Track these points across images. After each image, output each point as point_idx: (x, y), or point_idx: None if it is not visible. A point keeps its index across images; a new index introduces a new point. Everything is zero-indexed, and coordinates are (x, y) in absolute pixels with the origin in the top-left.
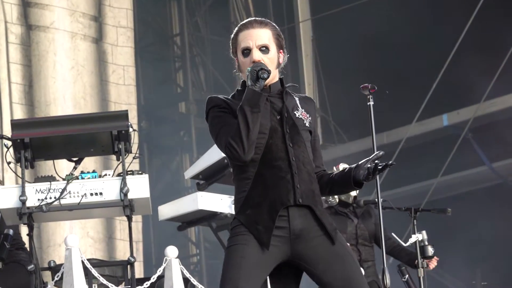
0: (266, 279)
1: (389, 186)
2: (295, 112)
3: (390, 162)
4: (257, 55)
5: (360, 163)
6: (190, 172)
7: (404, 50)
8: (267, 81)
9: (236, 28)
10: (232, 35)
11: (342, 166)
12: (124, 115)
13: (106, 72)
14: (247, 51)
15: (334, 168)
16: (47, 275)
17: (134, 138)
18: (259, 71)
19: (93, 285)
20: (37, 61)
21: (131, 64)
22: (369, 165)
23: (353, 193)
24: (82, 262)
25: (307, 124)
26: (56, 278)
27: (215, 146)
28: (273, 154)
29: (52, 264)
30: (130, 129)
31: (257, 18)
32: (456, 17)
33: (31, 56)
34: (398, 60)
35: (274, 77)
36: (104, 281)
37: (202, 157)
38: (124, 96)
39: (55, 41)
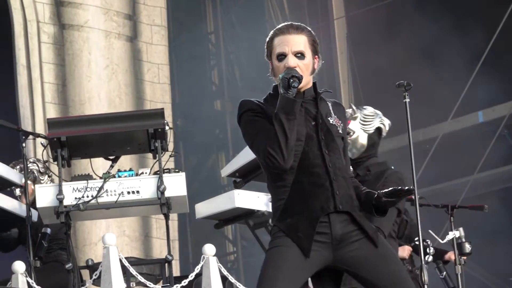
0: (308, 282)
1: (425, 183)
2: (329, 119)
3: (410, 187)
4: (292, 61)
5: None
6: (227, 170)
7: (439, 46)
8: (301, 86)
9: (272, 32)
10: (268, 39)
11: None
12: (160, 113)
13: (141, 70)
14: (282, 57)
15: None
16: (85, 274)
17: (170, 136)
18: (290, 79)
19: (131, 283)
20: (71, 60)
21: (165, 62)
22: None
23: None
24: (120, 260)
25: (340, 131)
26: (94, 277)
27: None
28: (310, 161)
29: (90, 263)
30: (167, 127)
31: (293, 23)
32: (490, 14)
33: (65, 55)
34: (433, 57)
35: (308, 82)
36: (142, 279)
37: (239, 155)
38: (158, 94)
39: (89, 40)
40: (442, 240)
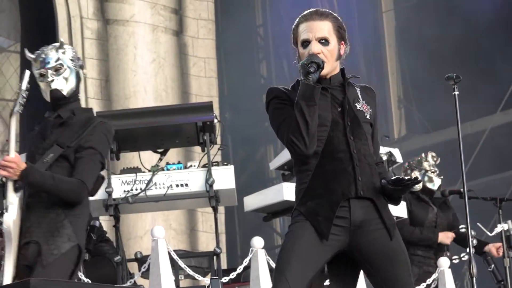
0: (324, 269)
1: (474, 176)
2: (356, 104)
3: (416, 177)
4: (316, 47)
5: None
6: (275, 163)
7: (488, 41)
8: (327, 72)
9: (297, 19)
10: (293, 26)
11: (431, 153)
12: (209, 107)
13: (187, 64)
14: (306, 43)
15: (423, 154)
16: (132, 266)
17: (219, 129)
18: (309, 65)
19: (180, 276)
20: (115, 55)
21: (212, 56)
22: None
23: (439, 182)
24: (169, 253)
25: (367, 117)
26: (142, 269)
27: None
28: (334, 147)
29: (138, 256)
30: (215, 120)
31: (318, 10)
32: None
33: (108, 50)
34: (482, 51)
35: (335, 68)
36: (191, 272)
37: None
38: (205, 88)
39: (135, 34)
40: (491, 233)
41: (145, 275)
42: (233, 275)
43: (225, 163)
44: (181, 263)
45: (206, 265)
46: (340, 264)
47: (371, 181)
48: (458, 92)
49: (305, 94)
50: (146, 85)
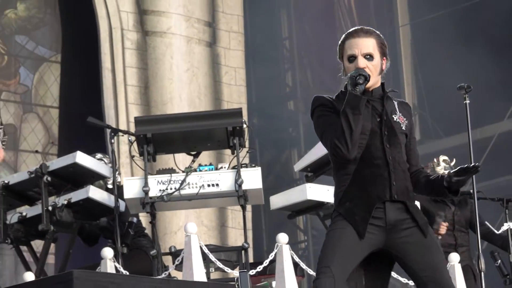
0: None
1: (482, 178)
2: (393, 116)
3: (477, 164)
4: (362, 62)
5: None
6: (299, 165)
7: (497, 54)
8: (370, 85)
9: (344, 36)
10: (340, 42)
11: (442, 157)
12: (238, 113)
13: (219, 73)
14: (352, 58)
15: (435, 160)
16: (167, 260)
17: (247, 134)
18: (357, 77)
19: (210, 268)
20: (154, 64)
21: (241, 66)
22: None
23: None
24: (200, 247)
25: (403, 128)
26: (176, 262)
27: None
28: (372, 154)
29: (172, 250)
30: (244, 125)
31: (363, 27)
32: None
33: (147, 59)
34: (489, 62)
35: (377, 82)
36: (221, 265)
37: (310, 151)
38: (235, 96)
39: (171, 45)
40: (498, 230)
41: (179, 267)
42: (259, 268)
43: (253, 165)
44: (211, 257)
45: (235, 259)
46: (374, 260)
47: (404, 186)
48: (468, 101)
49: (352, 104)
50: (181, 92)
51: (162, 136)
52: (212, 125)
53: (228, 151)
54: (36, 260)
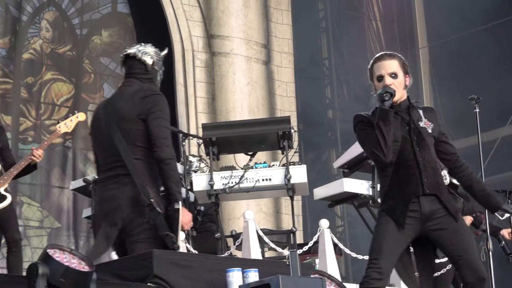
0: (409, 249)
1: (488, 174)
2: (420, 123)
3: None
4: (388, 80)
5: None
6: (337, 163)
7: (504, 65)
8: (397, 99)
9: (372, 61)
10: (369, 66)
11: None
12: (287, 120)
13: (273, 87)
14: (380, 78)
15: None
16: (229, 241)
17: (295, 137)
18: (384, 94)
19: (265, 248)
20: (219, 79)
21: (291, 80)
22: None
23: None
24: (256, 231)
25: (429, 131)
26: (236, 243)
27: (356, 143)
28: (405, 157)
29: (233, 233)
30: (292, 130)
31: (387, 52)
32: None
33: (214, 75)
34: (494, 78)
35: (403, 96)
36: (273, 246)
37: (346, 152)
38: (286, 105)
39: (234, 63)
40: (502, 217)
41: (239, 248)
42: (305, 248)
43: (299, 163)
44: (265, 238)
45: (285, 240)
46: (421, 244)
47: (435, 181)
48: (478, 110)
49: (382, 117)
50: (242, 102)
51: (224, 139)
52: (266, 130)
53: (279, 151)
54: None
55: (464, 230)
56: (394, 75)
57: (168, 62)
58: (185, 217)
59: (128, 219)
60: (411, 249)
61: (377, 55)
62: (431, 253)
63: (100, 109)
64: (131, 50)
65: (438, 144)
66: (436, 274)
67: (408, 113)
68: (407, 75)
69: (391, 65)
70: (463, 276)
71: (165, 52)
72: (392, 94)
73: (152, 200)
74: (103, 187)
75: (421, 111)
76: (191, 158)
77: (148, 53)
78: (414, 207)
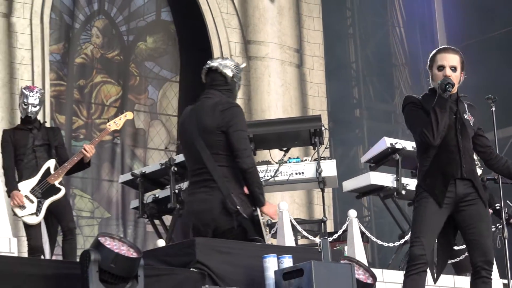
0: None
1: None
2: (464, 115)
3: None
4: (448, 71)
5: None
6: (364, 157)
7: None
8: (452, 92)
9: (435, 51)
10: (431, 55)
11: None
12: (318, 118)
13: (306, 88)
14: (441, 68)
15: None
16: (265, 230)
17: (325, 134)
18: (446, 85)
19: (298, 236)
20: (255, 81)
21: (322, 82)
22: None
23: (479, 172)
24: (290, 220)
25: (471, 124)
26: (272, 232)
27: (381, 140)
28: (448, 142)
29: (269, 222)
30: (323, 128)
31: (451, 47)
32: None
33: (250, 78)
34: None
35: (455, 89)
36: (306, 234)
37: (373, 148)
38: (318, 105)
39: (269, 66)
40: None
41: (274, 236)
42: (335, 236)
43: (329, 158)
44: (299, 227)
45: (317, 229)
46: (443, 228)
47: (472, 168)
48: (494, 108)
49: (440, 103)
50: (277, 102)
51: (261, 136)
52: (299, 128)
53: (311, 147)
54: (166, 230)
55: (487, 217)
56: (453, 69)
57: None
58: (270, 209)
59: (218, 220)
60: None
61: (442, 46)
62: (451, 238)
63: (184, 118)
64: (213, 64)
65: (476, 137)
66: (456, 260)
67: (456, 105)
68: (462, 72)
69: (453, 59)
70: (473, 258)
71: (243, 65)
72: (453, 86)
73: (238, 207)
74: (192, 190)
75: (466, 105)
76: None
77: (228, 66)
78: (451, 188)
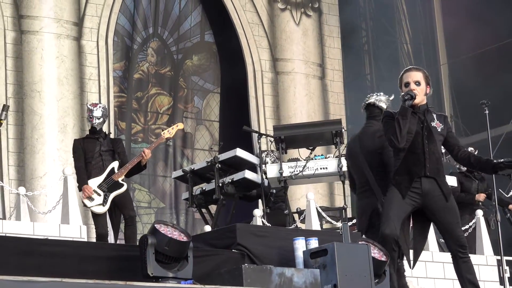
0: (410, 219)
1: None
2: (432, 123)
3: None
4: (413, 86)
5: (502, 160)
6: None
7: None
8: (417, 102)
9: (402, 72)
10: (399, 76)
11: (469, 148)
12: (339, 122)
13: (327, 96)
14: (407, 84)
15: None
16: (295, 216)
17: (345, 135)
18: (406, 96)
19: (322, 221)
20: (282, 92)
21: (341, 91)
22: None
23: None
24: (316, 208)
25: (439, 130)
26: (301, 218)
27: None
28: (415, 146)
29: (298, 210)
30: (343, 130)
31: (414, 66)
32: None
33: (278, 89)
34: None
35: (422, 101)
36: (329, 219)
37: None
38: (337, 111)
39: (295, 79)
40: (507, 195)
41: (303, 221)
42: (354, 221)
43: None
44: (323, 214)
45: (338, 215)
46: (419, 215)
47: (436, 167)
48: (488, 111)
49: (401, 113)
50: (302, 109)
51: (291, 137)
52: (322, 130)
53: (332, 146)
54: (211, 218)
55: (453, 209)
56: (417, 83)
57: (243, 80)
58: None
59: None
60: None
61: (406, 68)
62: (426, 230)
63: (352, 142)
64: (371, 100)
65: (446, 139)
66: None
67: (424, 115)
68: (428, 85)
69: (416, 75)
70: (448, 246)
71: (392, 97)
72: (413, 97)
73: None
74: (360, 198)
75: (435, 115)
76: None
77: (382, 100)
78: (417, 185)
